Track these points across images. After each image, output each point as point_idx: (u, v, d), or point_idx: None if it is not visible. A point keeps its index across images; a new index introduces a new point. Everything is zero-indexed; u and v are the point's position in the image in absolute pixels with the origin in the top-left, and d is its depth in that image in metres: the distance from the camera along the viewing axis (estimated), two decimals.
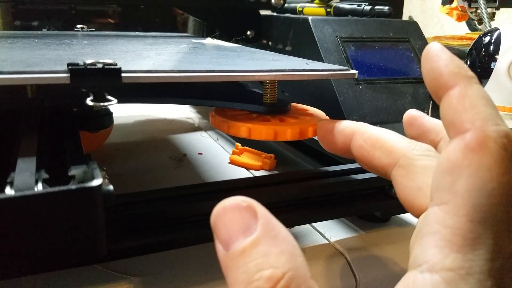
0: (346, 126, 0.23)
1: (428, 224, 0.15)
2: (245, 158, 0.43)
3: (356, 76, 0.28)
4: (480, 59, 0.40)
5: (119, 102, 0.22)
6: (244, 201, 0.15)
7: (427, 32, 0.52)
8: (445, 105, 0.16)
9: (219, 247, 0.15)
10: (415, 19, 0.55)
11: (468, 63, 0.42)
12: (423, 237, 0.15)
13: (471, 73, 0.17)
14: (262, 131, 0.27)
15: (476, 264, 0.14)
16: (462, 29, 0.93)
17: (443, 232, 0.15)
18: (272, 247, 0.14)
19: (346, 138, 0.23)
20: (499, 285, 0.14)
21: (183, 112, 0.63)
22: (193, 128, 0.56)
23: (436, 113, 0.46)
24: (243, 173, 0.41)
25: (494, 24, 0.60)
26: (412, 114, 0.23)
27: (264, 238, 0.14)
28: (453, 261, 0.14)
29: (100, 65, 0.21)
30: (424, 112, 0.44)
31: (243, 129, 0.27)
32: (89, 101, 0.20)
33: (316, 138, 0.37)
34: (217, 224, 0.15)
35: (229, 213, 0.15)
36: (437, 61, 0.17)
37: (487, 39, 0.40)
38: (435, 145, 0.21)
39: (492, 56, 0.39)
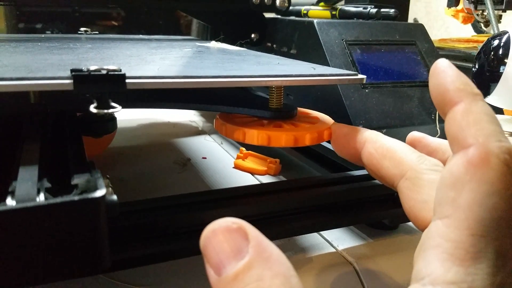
0: (360, 133, 0.24)
1: (430, 238, 0.15)
2: (250, 163, 0.43)
3: (364, 81, 0.27)
4: (489, 62, 0.39)
5: (122, 107, 0.22)
6: (234, 223, 0.15)
7: (432, 34, 0.51)
8: (450, 120, 0.17)
9: (210, 272, 0.15)
10: (420, 22, 0.55)
11: (477, 66, 0.41)
12: (425, 251, 0.15)
13: (476, 90, 0.17)
14: (257, 136, 0.26)
15: (478, 278, 0.14)
16: (467, 31, 0.92)
17: (445, 246, 0.15)
18: (265, 270, 0.14)
19: (358, 144, 0.24)
20: None
21: (187, 115, 0.62)
22: (196, 132, 0.55)
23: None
24: (248, 178, 0.40)
25: (500, 26, 0.59)
26: (414, 136, 0.24)
27: (256, 261, 0.14)
28: (455, 275, 0.14)
29: (104, 72, 0.20)
30: (432, 117, 0.44)
31: (239, 132, 0.27)
32: (92, 108, 0.20)
33: (319, 143, 0.37)
34: (207, 248, 0.15)
35: (219, 235, 0.15)
36: (444, 77, 0.17)
37: (496, 42, 0.40)
38: (442, 164, 0.22)
39: (501, 60, 0.39)
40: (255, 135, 0.26)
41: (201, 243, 0.15)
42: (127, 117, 0.59)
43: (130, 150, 0.47)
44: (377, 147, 0.22)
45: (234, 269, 0.14)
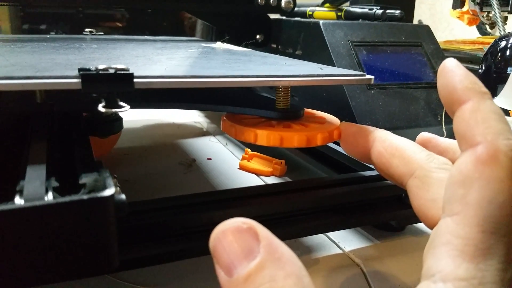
0: (369, 131, 0.24)
1: (440, 235, 0.15)
2: (255, 164, 0.42)
3: (372, 82, 0.27)
4: (496, 64, 0.39)
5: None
6: (245, 223, 0.15)
7: (437, 36, 0.51)
8: (458, 119, 0.17)
9: (220, 273, 0.14)
10: (424, 23, 0.54)
11: (483, 68, 0.41)
12: (435, 248, 0.15)
13: (484, 89, 0.17)
14: (269, 137, 0.26)
15: (488, 274, 0.14)
16: (471, 33, 0.92)
17: (455, 242, 0.15)
18: (278, 270, 0.14)
19: (368, 143, 0.23)
20: None
21: (191, 116, 0.62)
22: (201, 133, 0.55)
23: (449, 119, 0.46)
24: (253, 179, 0.40)
25: (506, 28, 0.59)
26: (424, 137, 0.24)
27: (268, 261, 0.14)
28: (465, 271, 0.14)
29: (112, 71, 0.20)
30: (438, 119, 0.44)
31: (250, 134, 0.26)
32: (101, 108, 0.20)
33: (327, 144, 0.37)
34: (217, 249, 0.15)
35: (229, 236, 0.14)
36: (452, 76, 0.17)
37: (503, 43, 0.39)
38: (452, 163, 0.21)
39: (508, 61, 0.38)
40: (267, 136, 0.26)
41: (211, 244, 0.15)
42: (132, 118, 0.59)
43: (135, 151, 0.47)
44: (386, 145, 0.22)
45: (246, 270, 0.14)
